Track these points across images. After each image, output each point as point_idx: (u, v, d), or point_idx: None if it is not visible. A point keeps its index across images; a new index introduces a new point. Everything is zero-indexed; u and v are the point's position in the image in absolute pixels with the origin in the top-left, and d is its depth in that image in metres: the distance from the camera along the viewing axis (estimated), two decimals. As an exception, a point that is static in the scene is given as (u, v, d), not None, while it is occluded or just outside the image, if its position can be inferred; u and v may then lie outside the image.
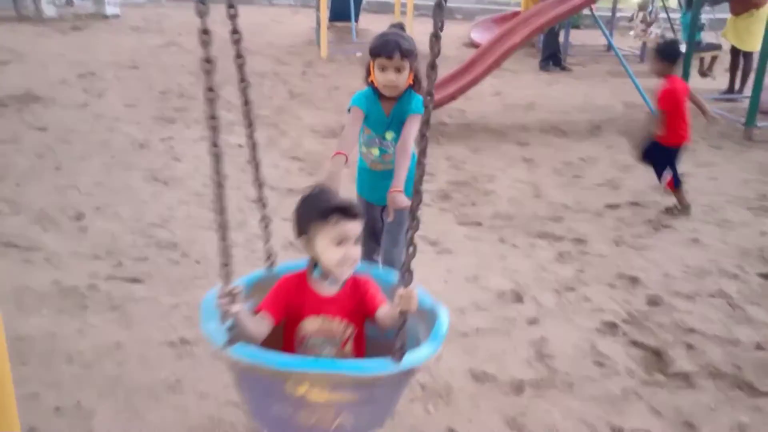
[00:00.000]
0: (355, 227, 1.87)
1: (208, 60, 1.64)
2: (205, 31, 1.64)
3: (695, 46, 9.14)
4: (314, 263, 1.94)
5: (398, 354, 1.70)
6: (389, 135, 2.84)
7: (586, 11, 8.17)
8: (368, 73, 2.76)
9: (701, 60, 9.40)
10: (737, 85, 8.53)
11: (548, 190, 5.11)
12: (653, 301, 3.49)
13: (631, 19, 11.89)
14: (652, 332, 3.21)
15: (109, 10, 13.85)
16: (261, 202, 2.22)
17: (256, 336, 1.79)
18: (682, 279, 3.74)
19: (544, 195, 5.01)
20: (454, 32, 11.95)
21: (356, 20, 12.69)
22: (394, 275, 2.08)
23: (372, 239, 3.05)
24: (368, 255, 3.01)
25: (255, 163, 2.19)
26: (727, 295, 3.57)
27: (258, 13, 15.84)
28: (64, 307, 3.23)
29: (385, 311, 1.87)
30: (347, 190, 2.49)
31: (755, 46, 7.67)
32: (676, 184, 4.64)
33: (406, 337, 1.72)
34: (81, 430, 2.44)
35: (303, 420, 1.73)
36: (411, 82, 2.75)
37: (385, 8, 16.65)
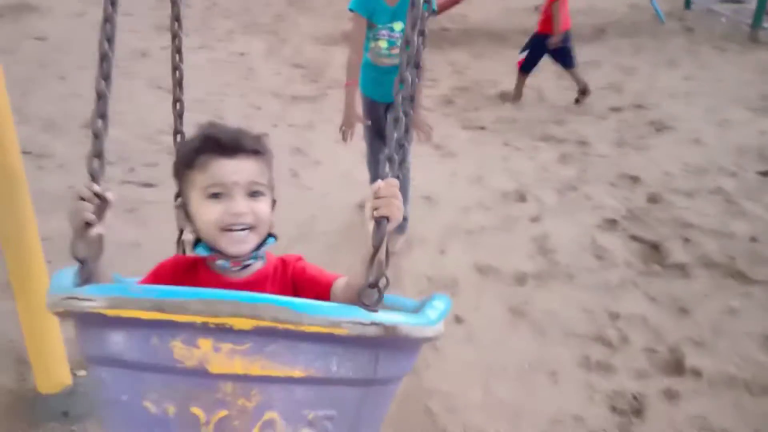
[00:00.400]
0: (237, 168, 1.20)
1: None
2: None
3: None
4: (197, 239, 1.28)
5: (370, 294, 1.01)
6: (397, 26, 2.85)
7: None
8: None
9: None
10: None
11: (551, 94, 5.13)
12: (653, 199, 3.60)
13: None
14: (651, 227, 3.33)
15: None
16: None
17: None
18: (681, 177, 3.84)
19: (547, 98, 5.04)
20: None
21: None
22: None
23: (378, 138, 3.09)
24: (375, 155, 3.07)
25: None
26: (725, 191, 3.67)
27: None
28: (80, 210, 3.34)
29: (343, 282, 1.22)
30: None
31: None
32: (524, 68, 4.92)
33: (384, 270, 1.03)
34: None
35: (200, 419, 0.96)
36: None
37: None
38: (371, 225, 1.03)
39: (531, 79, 5.46)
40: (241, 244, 1.20)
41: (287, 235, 3.20)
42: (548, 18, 4.73)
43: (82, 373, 2.31)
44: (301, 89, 5.07)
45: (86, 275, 1.09)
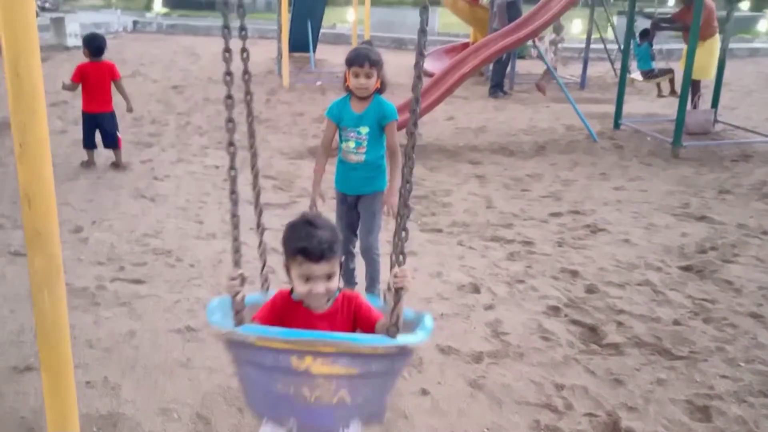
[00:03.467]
0: (320, 268, 1.91)
1: (229, 96, 2.01)
2: (228, 73, 2.01)
3: (649, 74, 10.02)
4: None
5: (393, 330, 1.83)
6: (363, 129, 3.49)
7: (530, 43, 8.90)
8: (345, 79, 3.45)
9: (658, 86, 10.25)
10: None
11: (499, 202, 5.71)
12: (590, 290, 4.08)
13: (541, 38, 12.59)
14: (589, 313, 3.79)
15: (71, 41, 14.17)
16: (260, 227, 2.36)
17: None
18: (614, 271, 4.35)
19: (496, 206, 5.61)
20: (406, 62, 12.62)
21: (314, 51, 13.30)
22: (378, 301, 2.26)
23: (348, 229, 3.62)
24: (345, 245, 3.54)
25: (257, 189, 2.42)
26: (652, 283, 4.19)
27: (217, 44, 16.20)
28: (77, 304, 3.64)
29: (381, 322, 1.98)
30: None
31: (699, 74, 8.45)
32: (88, 146, 6.12)
33: (401, 316, 1.86)
34: (111, 398, 2.87)
35: (305, 395, 1.81)
36: (378, 86, 3.44)
37: (340, 39, 17.32)
38: (391, 294, 1.87)
39: (481, 189, 6.07)
40: (318, 305, 2.03)
41: (269, 324, 3.56)
42: None
43: (90, 443, 2.59)
44: (272, 197, 5.54)
45: (240, 319, 1.88)
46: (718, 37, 8.36)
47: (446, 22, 18.55)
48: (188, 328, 3.45)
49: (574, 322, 3.70)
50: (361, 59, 3.34)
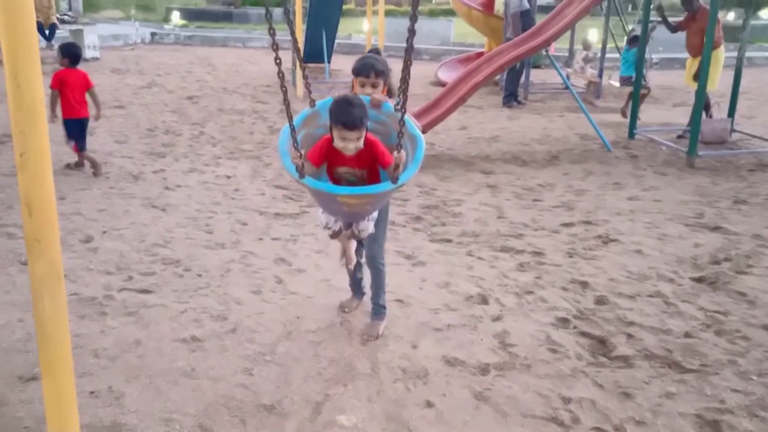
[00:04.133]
0: (351, 134, 2.87)
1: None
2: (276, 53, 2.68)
3: (627, 81, 9.95)
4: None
5: (394, 178, 2.89)
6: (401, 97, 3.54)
7: (544, 52, 8.85)
8: (352, 87, 3.43)
9: (628, 96, 10.07)
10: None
11: (510, 212, 5.67)
12: (600, 301, 4.03)
13: (572, 56, 12.71)
14: (598, 325, 3.74)
15: (89, 53, 14.33)
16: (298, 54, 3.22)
17: (310, 173, 2.95)
18: (625, 282, 4.30)
19: (507, 216, 5.57)
20: (421, 72, 12.65)
21: (329, 61, 13.34)
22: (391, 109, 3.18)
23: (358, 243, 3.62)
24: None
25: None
26: (663, 294, 4.12)
27: (233, 54, 16.47)
28: (85, 313, 3.66)
29: (390, 167, 2.95)
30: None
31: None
32: (80, 148, 6.33)
33: (401, 171, 2.88)
34: (115, 407, 2.87)
35: (346, 209, 3.07)
36: (385, 93, 3.40)
37: (355, 49, 17.38)
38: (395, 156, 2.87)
39: (493, 199, 6.04)
40: (350, 153, 2.98)
41: (276, 333, 3.55)
42: None
43: (92, 452, 2.58)
44: (283, 207, 5.54)
45: (302, 174, 2.87)
46: (722, 48, 8.28)
47: (461, 32, 18.57)
48: (193, 338, 3.45)
49: (583, 334, 3.65)
50: (367, 69, 3.32)
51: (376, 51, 3.57)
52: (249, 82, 12.15)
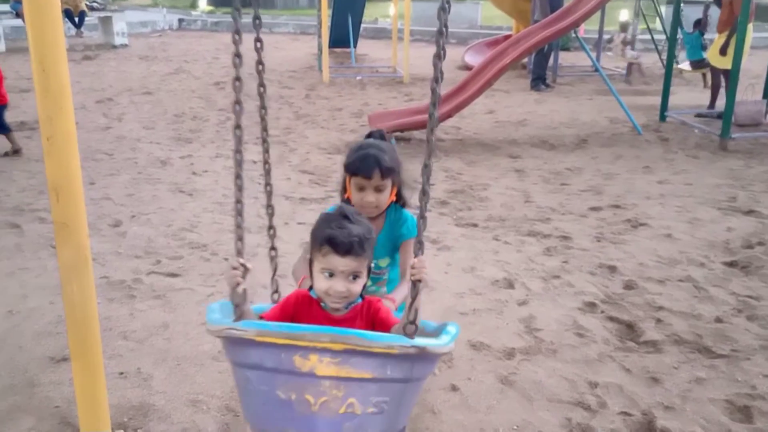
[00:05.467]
0: (344, 264, 1.77)
1: (238, 78, 1.88)
2: (237, 55, 1.87)
3: (698, 63, 9.85)
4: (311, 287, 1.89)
5: (410, 329, 1.65)
6: (383, 262, 2.46)
7: (573, 34, 8.72)
8: (344, 189, 2.41)
9: (704, 76, 10.11)
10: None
11: (537, 196, 5.62)
12: (628, 286, 3.97)
13: (610, 40, 12.54)
14: (627, 310, 3.69)
15: (118, 40, 14.49)
16: (271, 230, 2.19)
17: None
18: (654, 267, 4.23)
19: (534, 200, 5.52)
20: (448, 55, 12.41)
21: (355, 46, 13.31)
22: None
23: None
24: None
25: (268, 188, 2.21)
26: (694, 279, 4.05)
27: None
28: (114, 297, 3.71)
29: (398, 325, 1.77)
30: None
31: (727, 63, 8.18)
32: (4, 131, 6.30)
33: (418, 313, 1.69)
34: (143, 388, 2.91)
35: (309, 402, 1.62)
36: (394, 198, 2.39)
37: (381, 34, 17.32)
38: (410, 285, 1.70)
39: (519, 183, 5.98)
40: (336, 306, 1.85)
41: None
42: None
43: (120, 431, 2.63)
44: (309, 192, 5.56)
45: (239, 313, 1.75)
46: (751, 26, 8.03)
47: (488, 15, 18.37)
48: (220, 320, 3.47)
49: (611, 319, 3.60)
50: (369, 167, 2.24)
51: (379, 135, 2.48)
52: (275, 67, 12.17)
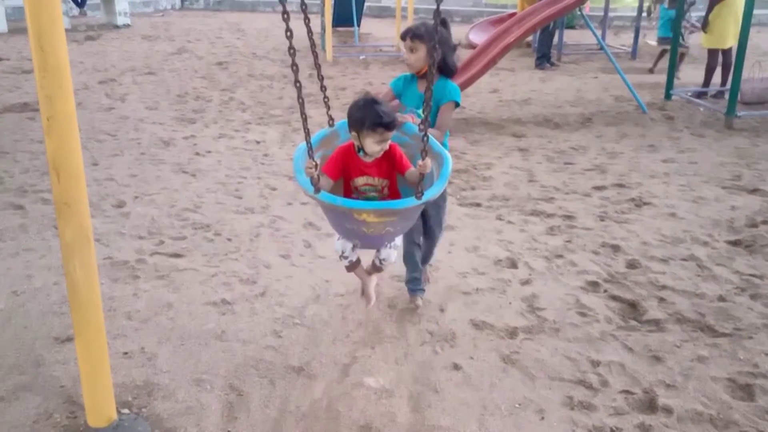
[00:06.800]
0: (392, 134, 2.72)
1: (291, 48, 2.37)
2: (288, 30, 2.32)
3: (663, 41, 9.80)
4: (359, 148, 2.79)
5: (419, 194, 2.58)
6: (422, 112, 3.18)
7: (578, 12, 8.65)
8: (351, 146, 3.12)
9: (659, 55, 10.08)
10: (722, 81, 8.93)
11: (541, 175, 5.59)
12: (631, 264, 3.97)
13: (649, 13, 12.53)
14: (629, 289, 3.69)
15: (120, 20, 14.40)
16: (321, 82, 2.76)
17: (325, 188, 2.69)
18: (658, 246, 4.22)
19: (538, 179, 5.49)
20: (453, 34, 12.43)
21: (359, 25, 13.20)
22: (414, 129, 2.98)
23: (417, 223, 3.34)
24: (414, 236, 3.38)
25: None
26: (697, 258, 4.04)
27: (262, 19, 16.40)
28: (118, 277, 3.72)
29: (410, 171, 2.79)
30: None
31: (714, 42, 8.09)
32: None
33: (424, 185, 2.61)
34: (147, 367, 2.93)
35: (364, 231, 2.69)
36: (440, 66, 3.11)
37: (385, 12, 17.19)
38: (417, 173, 2.61)
39: (523, 162, 5.96)
40: (380, 155, 2.79)
41: (304, 296, 3.58)
42: None
43: (125, 411, 2.65)
44: (312, 172, 5.54)
45: (317, 188, 2.56)
46: (732, 1, 7.89)
47: (493, -8, 18.18)
48: (224, 301, 3.49)
49: (614, 298, 3.60)
50: (405, 33, 3.14)
51: (442, 22, 2.89)
52: (278, 47, 12.10)
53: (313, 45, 2.58)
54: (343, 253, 2.98)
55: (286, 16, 2.27)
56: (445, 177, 2.69)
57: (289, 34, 2.29)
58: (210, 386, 2.83)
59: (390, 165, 2.84)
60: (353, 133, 2.74)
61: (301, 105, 2.45)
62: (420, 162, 2.57)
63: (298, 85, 2.41)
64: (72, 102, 2.14)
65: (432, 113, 3.12)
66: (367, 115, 2.64)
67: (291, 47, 2.33)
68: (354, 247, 2.95)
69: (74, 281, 2.29)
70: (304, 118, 2.46)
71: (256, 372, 2.93)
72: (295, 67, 2.34)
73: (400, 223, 2.76)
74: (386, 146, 2.73)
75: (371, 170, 2.83)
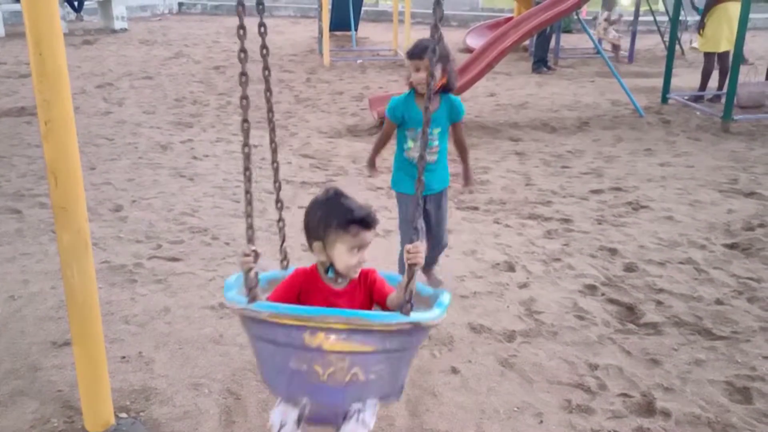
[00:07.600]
0: (371, 236, 1.96)
1: (243, 73, 1.90)
2: (242, 50, 1.88)
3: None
4: (326, 266, 2.02)
5: (406, 308, 1.83)
6: (435, 130, 3.21)
7: (575, 16, 8.67)
8: (410, 74, 3.21)
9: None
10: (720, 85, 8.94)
11: (538, 179, 5.60)
12: (629, 268, 3.97)
13: (595, 17, 12.57)
14: (627, 292, 3.69)
15: (117, 24, 14.40)
16: (278, 203, 2.31)
17: None
18: (655, 249, 4.23)
19: (535, 183, 5.50)
20: (449, 38, 12.39)
21: (356, 29, 13.22)
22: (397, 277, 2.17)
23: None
24: (408, 232, 3.38)
25: (275, 165, 2.33)
26: (694, 261, 4.05)
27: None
28: (115, 281, 3.72)
29: (393, 296, 1.99)
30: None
31: (708, 46, 8.11)
32: None
33: (413, 293, 1.85)
34: (145, 372, 2.93)
35: (318, 372, 1.82)
36: (444, 82, 3.17)
37: (383, 17, 17.22)
38: (403, 288, 1.85)
39: (520, 166, 5.97)
40: (351, 276, 2.02)
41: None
42: None
43: (123, 415, 2.64)
44: (310, 176, 5.55)
45: (253, 295, 1.89)
46: (728, 5, 7.91)
47: (490, -3, 18.24)
48: (221, 305, 3.48)
49: (611, 301, 3.61)
50: (415, 51, 3.12)
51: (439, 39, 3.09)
52: (275, 51, 12.10)
53: (263, 47, 2.06)
54: (281, 425, 1.92)
55: (242, 31, 1.89)
56: (443, 304, 1.96)
57: (243, 55, 1.88)
58: (208, 390, 2.83)
59: (365, 295, 2.06)
60: (316, 245, 1.98)
61: (246, 132, 1.90)
62: (407, 247, 1.85)
63: (244, 102, 1.93)
64: (70, 106, 2.14)
65: (443, 129, 3.28)
66: (333, 211, 1.94)
67: (243, 72, 1.90)
68: (300, 420, 1.90)
69: (72, 285, 2.29)
70: (247, 154, 1.90)
71: (253, 376, 2.92)
72: (244, 77, 1.92)
73: (375, 361, 1.86)
74: (365, 258, 1.97)
75: (341, 301, 2.02)
